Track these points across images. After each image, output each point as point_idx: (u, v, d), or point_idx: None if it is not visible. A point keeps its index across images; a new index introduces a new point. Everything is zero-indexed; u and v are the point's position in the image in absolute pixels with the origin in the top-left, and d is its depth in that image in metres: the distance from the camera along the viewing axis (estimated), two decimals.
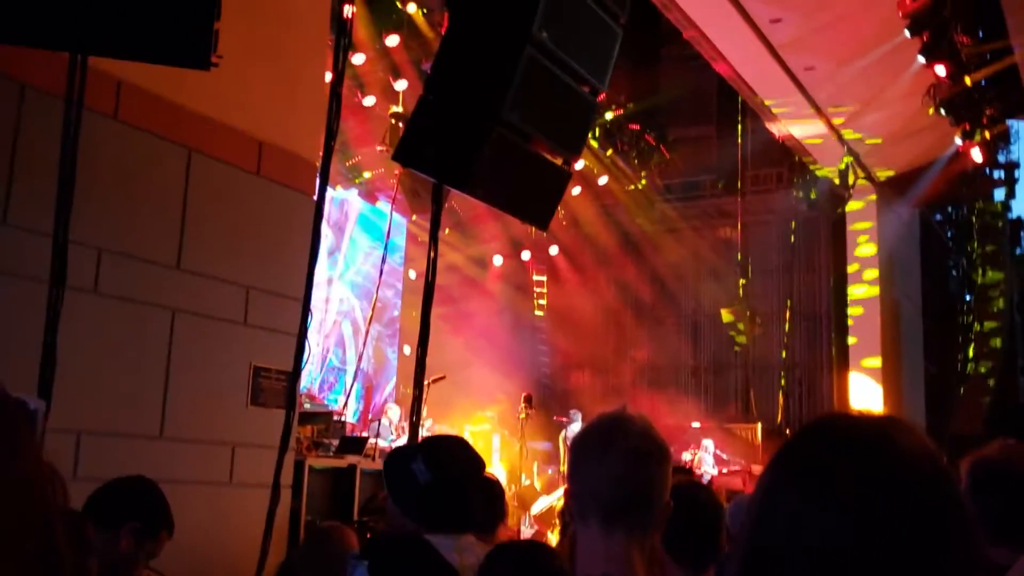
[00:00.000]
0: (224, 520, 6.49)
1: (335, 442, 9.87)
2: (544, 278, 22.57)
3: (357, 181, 18.08)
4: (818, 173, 19.68)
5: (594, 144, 18.74)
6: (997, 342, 21.97)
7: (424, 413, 14.52)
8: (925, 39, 12.93)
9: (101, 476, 5.72)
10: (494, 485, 4.39)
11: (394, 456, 2.92)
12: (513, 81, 5.43)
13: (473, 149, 5.51)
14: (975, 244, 21.88)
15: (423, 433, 14.05)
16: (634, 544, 1.97)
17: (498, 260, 21.62)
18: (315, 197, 5.09)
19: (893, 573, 0.96)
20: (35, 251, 4.67)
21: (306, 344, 5.21)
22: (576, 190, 19.91)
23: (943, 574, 0.97)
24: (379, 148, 15.54)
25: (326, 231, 17.33)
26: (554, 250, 21.96)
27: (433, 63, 5.84)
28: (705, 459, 16.58)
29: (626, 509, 1.97)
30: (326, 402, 15.52)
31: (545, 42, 5.51)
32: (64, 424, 5.36)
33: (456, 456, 2.90)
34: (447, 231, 19.87)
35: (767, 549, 1.01)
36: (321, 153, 5.71)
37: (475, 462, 2.91)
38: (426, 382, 13.04)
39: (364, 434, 11.96)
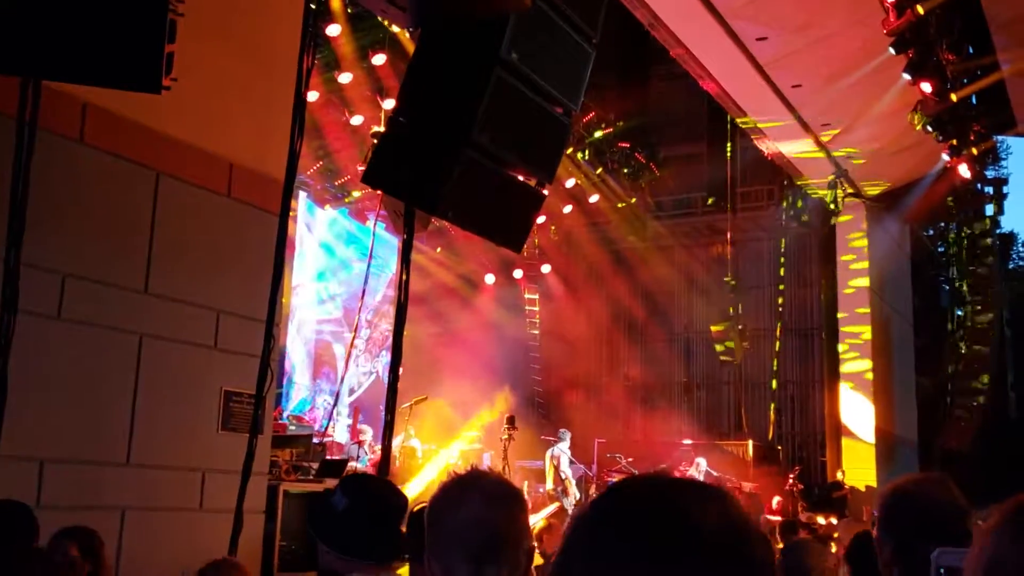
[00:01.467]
0: (194, 546, 6.38)
1: (316, 465, 9.77)
2: (536, 296, 22.52)
3: (347, 201, 18.04)
4: (808, 190, 19.67)
5: (584, 163, 18.73)
6: (987, 357, 21.91)
7: (411, 432, 14.49)
8: (911, 56, 12.91)
9: (66, 504, 5.67)
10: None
11: (317, 495, 2.91)
12: (482, 102, 5.38)
13: (443, 171, 5.45)
14: (965, 259, 21.84)
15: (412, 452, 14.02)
16: None
17: (490, 279, 21.58)
18: (278, 217, 5.02)
19: None
20: None
21: (270, 368, 5.14)
22: (567, 208, 19.90)
23: None
24: (360, 168, 15.50)
25: (316, 252, 17.31)
26: (546, 268, 21.91)
27: (402, 84, 5.80)
28: (696, 477, 16.49)
29: (492, 551, 1.93)
30: (316, 425, 15.42)
31: (515, 63, 5.46)
32: (26, 452, 5.29)
33: (374, 487, 2.92)
34: (438, 250, 19.86)
35: None
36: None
37: (394, 494, 2.89)
38: (407, 404, 13.09)
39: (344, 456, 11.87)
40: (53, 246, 5.61)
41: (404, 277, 6.12)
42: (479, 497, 2.01)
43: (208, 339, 6.73)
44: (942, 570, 1.25)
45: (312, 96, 12.43)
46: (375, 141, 14.47)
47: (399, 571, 3.41)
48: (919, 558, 2.44)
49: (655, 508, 0.99)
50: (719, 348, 19.12)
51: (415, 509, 4.37)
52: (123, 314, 6.14)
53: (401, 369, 5.96)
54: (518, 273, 21.96)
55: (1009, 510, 1.19)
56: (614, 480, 1.09)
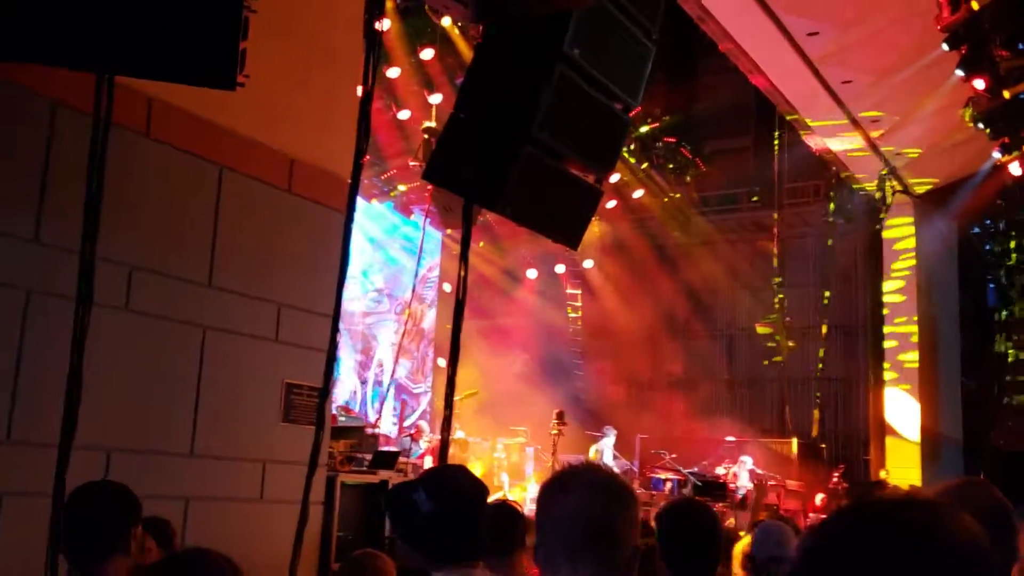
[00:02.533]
0: (254, 537, 6.48)
1: (368, 456, 9.86)
2: (579, 291, 22.52)
3: (392, 195, 18.13)
4: (855, 186, 19.50)
5: (630, 157, 18.70)
6: None
7: (457, 426, 14.56)
8: (963, 52, 12.76)
9: None
10: (509, 511, 4.34)
11: (396, 490, 2.87)
12: (544, 99, 5.39)
13: (503, 168, 5.46)
14: (1014, 258, 21.55)
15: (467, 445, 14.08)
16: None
17: (532, 273, 21.59)
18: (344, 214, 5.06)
19: None
20: (66, 269, 4.68)
21: (336, 361, 5.18)
22: (611, 203, 19.86)
23: None
24: (412, 163, 15.58)
25: (363, 247, 17.41)
26: (589, 263, 21.89)
27: (463, 80, 5.81)
28: (740, 474, 16.44)
29: (592, 546, 1.92)
30: (361, 415, 15.53)
31: (576, 59, 5.46)
32: (93, 442, 5.37)
33: (458, 485, 2.82)
34: (481, 244, 19.90)
35: None
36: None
37: (478, 490, 2.84)
38: (457, 397, 13.13)
39: (396, 448, 11.96)
40: (120, 239, 5.69)
41: (463, 273, 6.13)
42: (585, 487, 2.00)
43: (270, 332, 6.81)
44: None
45: (359, 92, 12.48)
46: (426, 137, 14.58)
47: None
48: None
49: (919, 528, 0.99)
50: (770, 345, 19.00)
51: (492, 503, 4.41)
52: (187, 307, 6.23)
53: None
54: (560, 268, 21.95)
55: None
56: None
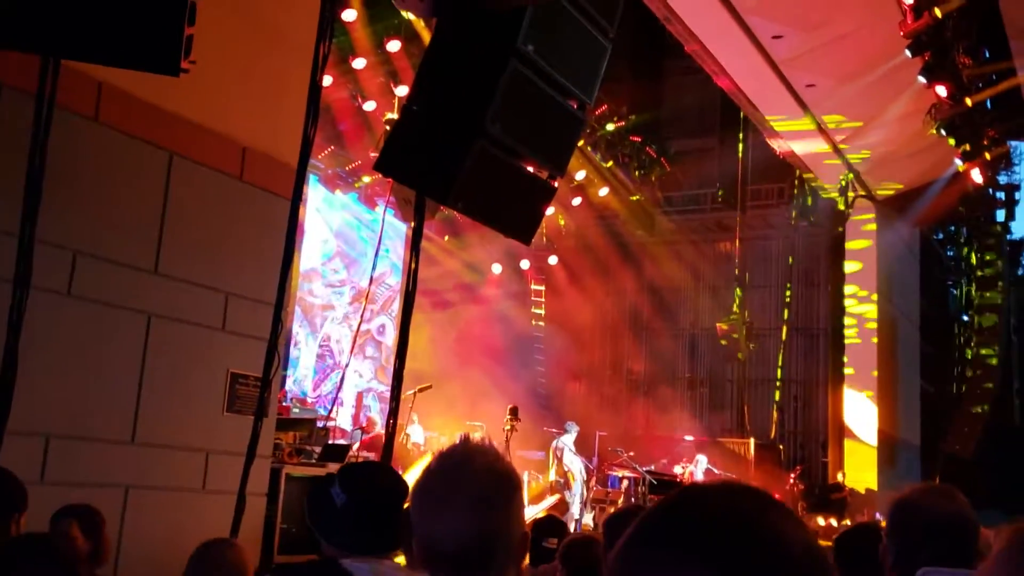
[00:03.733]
0: (195, 527, 6.41)
1: (318, 449, 9.80)
2: (542, 287, 22.53)
3: (357, 185, 18.03)
4: (819, 190, 19.64)
5: (595, 156, 18.72)
6: (994, 363, 21.88)
7: (415, 419, 14.53)
8: (927, 59, 12.88)
9: (70, 480, 5.71)
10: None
11: (316, 484, 2.88)
12: (497, 93, 5.37)
13: (455, 161, 5.44)
14: (974, 264, 21.80)
15: (408, 438, 14.05)
16: None
17: (496, 268, 21.58)
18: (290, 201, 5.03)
19: None
20: (5, 252, 4.61)
21: (277, 351, 5.15)
22: (576, 201, 19.88)
23: None
24: (373, 154, 15.51)
25: (325, 237, 17.33)
26: (553, 260, 21.91)
27: (417, 73, 5.79)
28: (696, 473, 16.50)
29: (478, 559, 1.85)
30: (318, 409, 15.46)
31: (530, 55, 5.45)
32: (31, 427, 5.32)
33: (374, 480, 2.85)
34: (446, 238, 19.87)
35: None
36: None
37: (396, 485, 2.83)
38: (411, 391, 13.11)
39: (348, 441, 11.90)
40: (65, 223, 5.63)
41: (413, 265, 6.11)
42: (462, 500, 1.86)
43: (216, 321, 6.75)
44: None
45: (325, 81, 12.40)
46: (387, 128, 14.52)
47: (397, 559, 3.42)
48: (918, 569, 2.47)
49: (739, 526, 0.95)
50: (724, 343, 19.10)
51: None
52: (132, 293, 6.17)
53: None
54: (525, 264, 21.96)
55: (1015, 538, 1.18)
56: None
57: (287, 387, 14.24)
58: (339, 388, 14.66)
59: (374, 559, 2.60)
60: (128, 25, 4.06)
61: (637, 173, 19.66)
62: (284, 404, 11.63)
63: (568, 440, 16.01)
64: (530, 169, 6.07)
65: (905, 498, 2.66)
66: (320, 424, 11.36)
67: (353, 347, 15.55)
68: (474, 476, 1.89)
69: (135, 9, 4.07)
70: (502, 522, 1.88)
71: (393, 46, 14.22)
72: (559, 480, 15.20)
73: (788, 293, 21.04)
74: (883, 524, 6.66)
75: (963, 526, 2.52)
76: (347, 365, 15.18)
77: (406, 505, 2.47)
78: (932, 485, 2.67)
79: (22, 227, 4.34)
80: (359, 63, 14.35)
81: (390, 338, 18.84)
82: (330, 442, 10.55)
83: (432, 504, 1.90)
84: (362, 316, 14.58)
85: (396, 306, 19.29)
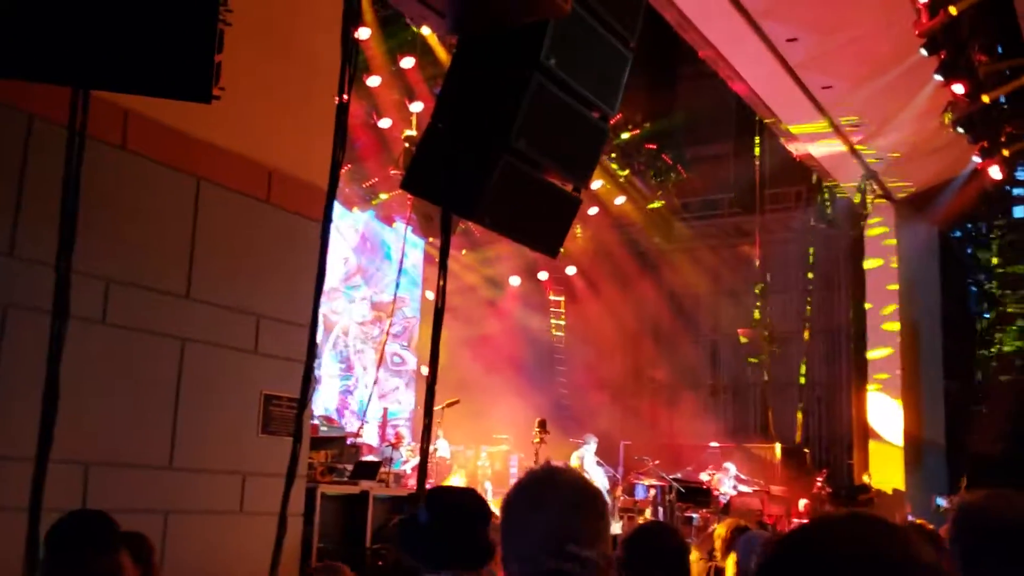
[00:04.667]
0: (234, 549, 6.45)
1: (349, 467, 9.82)
2: (561, 298, 22.53)
3: (374, 203, 18.10)
4: (836, 191, 19.58)
5: (612, 164, 18.73)
6: (1017, 361, 21.73)
7: (440, 435, 14.54)
8: (942, 57, 12.85)
9: (111, 507, 5.71)
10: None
11: (407, 516, 3.12)
12: (521, 108, 5.39)
13: (481, 177, 5.46)
14: (995, 261, 21.67)
15: (435, 452, 14.06)
16: None
17: (515, 280, 21.60)
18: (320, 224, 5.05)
19: None
20: (41, 283, 4.65)
21: (314, 372, 5.17)
22: (593, 210, 19.89)
23: None
24: (393, 172, 15.58)
25: (345, 255, 17.39)
26: (571, 270, 21.91)
27: (440, 90, 5.81)
28: (724, 480, 16.46)
29: (565, 559, 1.88)
30: (343, 425, 15.49)
31: (553, 68, 5.47)
32: (71, 456, 5.34)
33: (455, 499, 3.09)
34: (464, 252, 19.90)
35: None
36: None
37: (477, 507, 3.01)
38: (439, 407, 13.13)
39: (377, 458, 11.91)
40: (96, 252, 5.66)
41: (441, 283, 6.11)
42: (557, 501, 1.93)
43: (248, 343, 6.78)
44: None
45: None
46: (407, 146, 14.58)
47: None
48: (979, 572, 2.45)
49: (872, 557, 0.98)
50: (749, 343, 19.03)
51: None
52: (165, 319, 6.20)
53: (425, 370, 5.97)
54: (543, 275, 21.97)
55: None
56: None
57: (312, 406, 14.27)
58: (366, 407, 14.68)
59: (451, 572, 2.71)
60: (158, 54, 4.09)
61: (653, 181, 19.66)
62: (312, 423, 11.66)
63: (587, 452, 16.02)
64: (556, 182, 6.09)
65: (969, 502, 2.66)
66: (349, 442, 11.39)
67: (380, 362, 15.58)
68: (565, 482, 1.95)
69: (165, 38, 4.10)
70: (588, 528, 1.90)
71: (407, 63, 14.30)
72: None
73: (809, 298, 20.97)
74: (919, 523, 6.62)
75: None
76: (376, 382, 15.20)
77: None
78: (999, 491, 2.65)
79: (58, 258, 4.37)
80: (374, 80, 14.43)
81: (408, 364, 18.91)
82: (361, 459, 10.58)
83: (528, 503, 1.94)
84: (387, 332, 14.60)
85: (414, 332, 19.35)
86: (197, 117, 6.12)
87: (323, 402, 16.19)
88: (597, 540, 1.92)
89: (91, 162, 4.56)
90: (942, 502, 15.91)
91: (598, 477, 15.28)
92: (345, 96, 5.30)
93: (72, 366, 4.94)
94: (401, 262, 13.44)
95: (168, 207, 6.35)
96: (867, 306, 20.02)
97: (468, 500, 3.08)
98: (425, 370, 17.74)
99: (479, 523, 2.93)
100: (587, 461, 15.64)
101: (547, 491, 1.93)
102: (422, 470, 5.89)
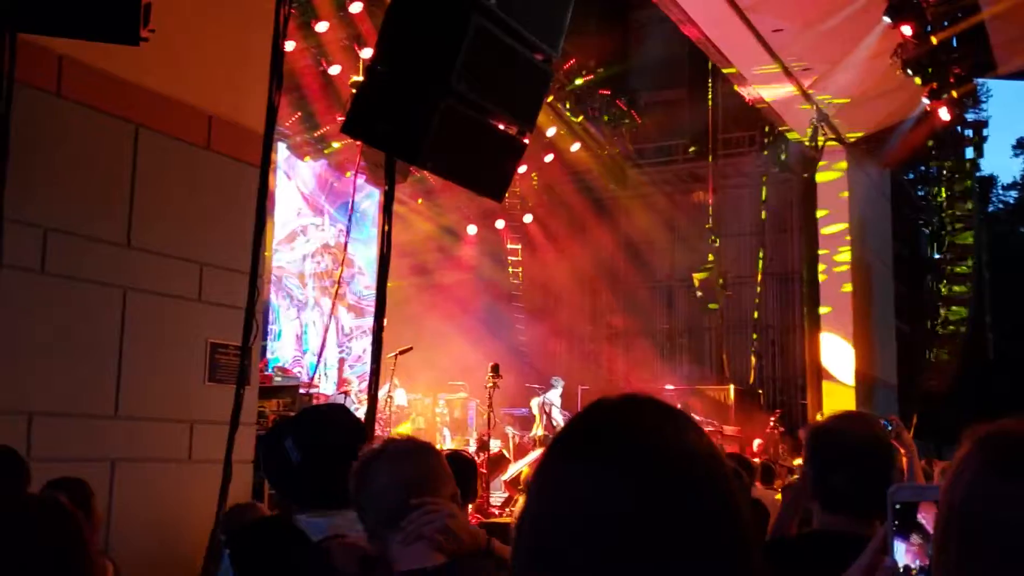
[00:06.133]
0: (184, 497, 6.47)
1: None
2: (519, 246, 22.53)
3: (326, 152, 17.92)
4: (789, 136, 19.67)
5: (565, 111, 18.66)
6: (966, 300, 22.09)
7: (396, 382, 14.57)
8: None
9: (56, 456, 5.71)
10: (464, 462, 4.41)
11: (267, 435, 2.83)
12: (461, 49, 5.35)
13: (422, 120, 5.43)
14: (945, 203, 21.92)
15: (391, 401, 14.12)
16: None
17: (472, 229, 21.56)
18: (259, 169, 5.03)
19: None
20: None
21: (255, 319, 5.16)
22: (548, 157, 19.83)
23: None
24: (340, 119, 15.38)
25: (298, 205, 17.26)
26: (528, 218, 21.90)
27: (379, 33, 5.75)
28: None
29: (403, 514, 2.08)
30: (298, 376, 15.48)
31: (492, 8, 5.43)
32: (14, 406, 5.33)
33: (329, 431, 2.79)
34: (419, 201, 19.81)
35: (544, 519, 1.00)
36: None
37: (352, 434, 2.78)
38: (392, 354, 13.15)
39: None
40: (33, 200, 5.60)
41: (386, 228, 6.10)
42: (384, 467, 2.09)
43: (192, 292, 6.75)
44: (897, 506, 1.27)
45: (289, 46, 12.31)
46: (353, 91, 14.40)
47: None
48: (831, 488, 2.57)
49: (650, 437, 1.01)
50: (700, 295, 19.21)
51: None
52: (106, 268, 6.16)
53: (386, 320, 5.96)
54: (500, 223, 21.94)
55: (978, 442, 1.23)
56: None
57: (267, 356, 14.24)
58: (320, 354, 14.67)
59: (332, 512, 2.60)
60: None
61: (607, 127, 19.63)
62: (266, 373, 11.64)
63: (554, 396, 16.16)
64: (499, 126, 6.06)
65: (821, 425, 2.79)
66: (303, 391, 11.40)
67: (332, 315, 15.55)
68: (391, 449, 2.17)
69: None
70: (424, 477, 2.18)
71: (356, 7, 14.09)
72: (547, 435, 15.31)
73: (762, 240, 21.14)
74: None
75: (877, 449, 2.61)
76: (326, 331, 15.19)
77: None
78: (849, 411, 2.77)
79: None
80: (322, 27, 14.22)
81: (366, 314, 18.86)
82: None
83: (361, 478, 2.18)
84: (338, 281, 14.56)
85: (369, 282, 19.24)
86: (134, 62, 6.05)
87: (280, 353, 16.16)
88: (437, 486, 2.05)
89: (26, 109, 4.50)
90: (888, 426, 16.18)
91: (562, 422, 15.41)
92: (282, 39, 5.26)
93: (11, 316, 4.91)
94: (351, 209, 13.35)
95: (106, 154, 6.27)
96: (819, 249, 20.22)
97: (344, 427, 2.83)
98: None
99: (356, 451, 2.78)
100: (554, 404, 15.79)
101: (374, 462, 2.12)
102: (370, 414, 5.91)
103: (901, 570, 1.27)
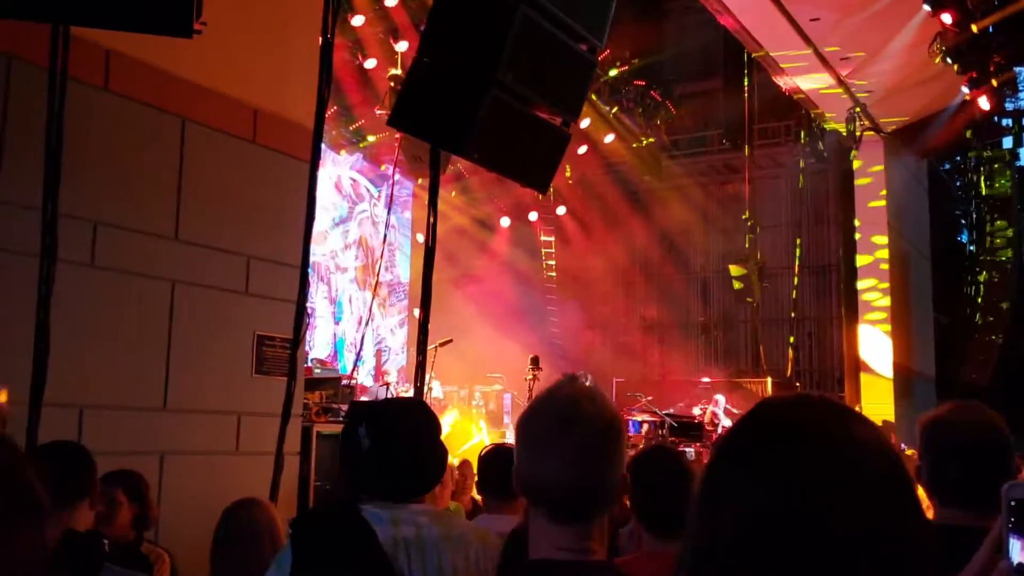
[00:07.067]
0: (231, 489, 6.44)
1: (344, 407, 9.87)
2: (552, 239, 22.51)
3: (362, 146, 17.98)
4: (826, 125, 19.50)
5: (600, 102, 18.59)
6: (1005, 291, 21.85)
7: (432, 374, 14.59)
8: None
9: (106, 449, 5.73)
10: (506, 453, 4.38)
11: (347, 423, 2.79)
12: (507, 40, 5.33)
13: (468, 112, 5.41)
14: (983, 193, 21.67)
15: (429, 392, 14.13)
16: (591, 529, 1.89)
17: (505, 222, 21.56)
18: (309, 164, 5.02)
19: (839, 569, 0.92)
20: (28, 226, 4.62)
21: (306, 312, 5.17)
22: (582, 149, 19.78)
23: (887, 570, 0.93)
24: (378, 112, 15.43)
25: (337, 200, 17.32)
26: (561, 210, 21.86)
27: (426, 24, 5.74)
28: (716, 413, 16.59)
29: (579, 498, 1.87)
30: (337, 367, 15.54)
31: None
32: (65, 399, 5.35)
33: (403, 422, 2.73)
34: (453, 194, 19.82)
35: (712, 532, 0.98)
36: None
37: (425, 429, 2.74)
38: (432, 346, 13.16)
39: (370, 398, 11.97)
40: (83, 194, 5.63)
41: (431, 220, 6.09)
42: (569, 449, 1.86)
43: (239, 284, 6.78)
44: (1013, 503, 1.24)
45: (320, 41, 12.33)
46: (392, 85, 14.44)
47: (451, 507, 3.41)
48: (946, 481, 2.50)
49: (817, 438, 0.99)
50: (737, 286, 19.08)
51: (485, 451, 4.44)
52: (154, 261, 6.19)
53: (418, 312, 5.95)
54: (533, 215, 21.92)
55: None
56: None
57: (307, 348, 14.31)
58: (360, 347, 14.71)
59: (393, 505, 2.58)
60: None
61: (642, 118, 19.54)
62: (306, 365, 11.70)
63: None
64: (544, 116, 6.04)
65: (935, 415, 2.68)
66: (344, 383, 11.44)
67: (371, 307, 15.58)
68: (582, 425, 1.88)
69: None
70: (605, 470, 1.89)
71: (391, 1, 14.10)
72: None
73: (799, 231, 20.98)
74: (908, 452, 6.67)
75: (994, 440, 2.54)
76: (366, 323, 15.23)
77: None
78: (963, 403, 2.68)
79: (44, 200, 4.34)
80: (358, 20, 14.25)
81: (401, 306, 18.91)
82: (355, 399, 10.63)
83: (537, 447, 1.90)
84: (377, 274, 14.58)
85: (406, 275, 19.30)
86: (180, 56, 6.07)
87: (318, 345, 16.23)
88: (613, 467, 1.91)
89: (74, 104, 4.51)
90: None
91: None
92: (329, 35, 5.25)
93: (63, 310, 4.94)
94: (390, 201, 13.36)
95: (154, 148, 6.30)
96: (856, 239, 20.04)
97: (416, 418, 2.77)
98: (418, 312, 17.81)
99: (432, 444, 2.72)
100: None
101: (574, 412, 1.89)
102: None
103: (1017, 568, 1.24)
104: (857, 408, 18.32)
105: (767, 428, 1.03)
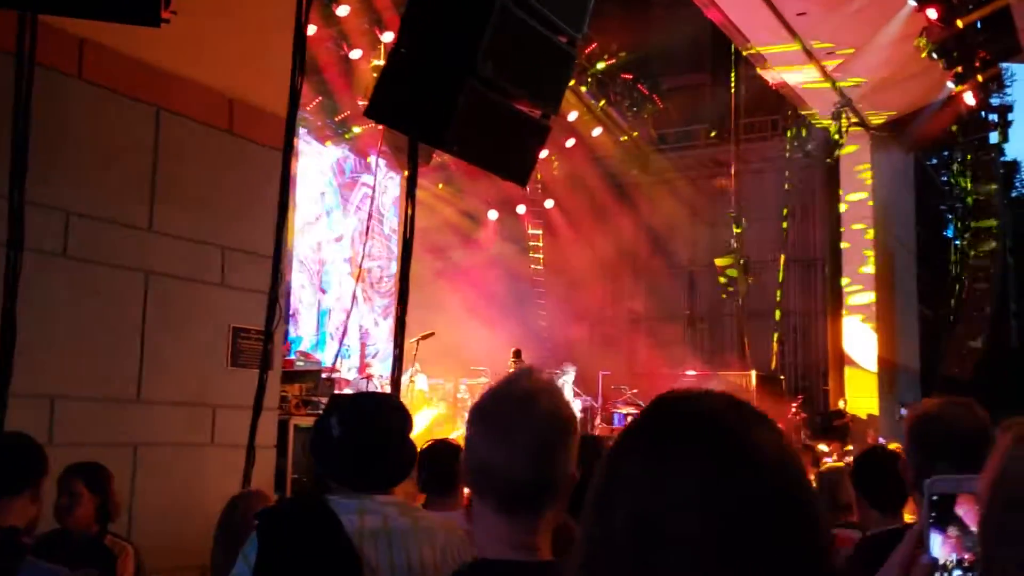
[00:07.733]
0: (207, 481, 6.46)
1: (325, 400, 9.83)
2: (539, 232, 22.46)
3: (347, 137, 17.88)
4: (812, 120, 19.51)
5: (587, 96, 18.56)
6: (989, 287, 21.91)
7: (417, 367, 14.56)
8: None
9: (79, 441, 5.71)
10: (447, 449, 4.38)
11: (321, 414, 2.82)
12: (486, 32, 5.29)
13: (446, 103, 5.37)
14: (969, 188, 21.71)
15: (413, 385, 14.11)
16: (538, 522, 1.87)
17: (493, 215, 21.51)
18: (283, 153, 4.98)
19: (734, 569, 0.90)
20: None
21: (279, 303, 5.14)
22: (570, 142, 19.74)
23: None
24: (361, 103, 15.34)
25: (321, 191, 17.25)
26: (549, 203, 21.82)
27: (403, 14, 5.70)
28: None
29: (532, 489, 1.84)
30: (320, 360, 15.49)
31: None
32: (36, 390, 5.31)
33: (374, 413, 2.76)
34: (440, 186, 19.76)
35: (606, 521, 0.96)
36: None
37: (396, 420, 2.76)
38: (414, 339, 13.12)
39: (352, 391, 11.93)
40: (56, 184, 5.58)
41: (409, 212, 6.08)
42: (523, 444, 1.83)
43: (215, 276, 6.73)
44: (934, 498, 1.23)
45: (309, 30, 12.26)
46: (375, 75, 14.35)
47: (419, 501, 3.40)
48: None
49: (714, 427, 0.98)
50: (722, 280, 19.10)
51: (426, 446, 4.41)
52: (128, 251, 6.14)
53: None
54: (521, 208, 21.88)
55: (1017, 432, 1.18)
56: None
57: (289, 341, 14.27)
58: (342, 338, 14.66)
59: (361, 495, 2.58)
60: None
61: (629, 112, 19.51)
62: (289, 358, 11.66)
63: (566, 381, 16.12)
64: (523, 109, 6.00)
65: (925, 411, 2.66)
66: (325, 376, 11.40)
67: (353, 299, 15.52)
68: (537, 420, 1.85)
69: None
70: (559, 463, 1.86)
71: None
72: None
73: (785, 225, 20.99)
74: (889, 447, 6.68)
75: (982, 436, 2.51)
76: (348, 316, 15.18)
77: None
78: (952, 398, 2.65)
79: (11, 189, 4.30)
80: (343, 10, 14.17)
81: (387, 299, 18.86)
82: (336, 392, 10.58)
83: (493, 433, 1.86)
84: (359, 267, 14.53)
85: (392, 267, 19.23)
86: (155, 45, 6.01)
87: (304, 338, 16.16)
88: (565, 464, 1.88)
89: (47, 92, 4.47)
90: (904, 412, 16.08)
91: (576, 406, 15.39)
92: (304, 22, 5.21)
93: (35, 300, 4.89)
94: (374, 195, 13.30)
95: (128, 138, 6.24)
96: (842, 234, 20.07)
97: (387, 410, 2.81)
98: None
99: (402, 437, 2.74)
100: (565, 391, 15.73)
101: (532, 403, 1.85)
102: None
103: (938, 564, 1.22)
104: (841, 402, 18.44)
105: (660, 422, 1.01)
